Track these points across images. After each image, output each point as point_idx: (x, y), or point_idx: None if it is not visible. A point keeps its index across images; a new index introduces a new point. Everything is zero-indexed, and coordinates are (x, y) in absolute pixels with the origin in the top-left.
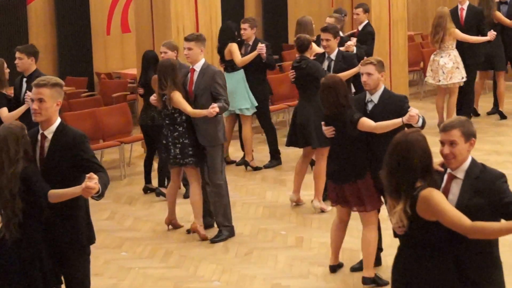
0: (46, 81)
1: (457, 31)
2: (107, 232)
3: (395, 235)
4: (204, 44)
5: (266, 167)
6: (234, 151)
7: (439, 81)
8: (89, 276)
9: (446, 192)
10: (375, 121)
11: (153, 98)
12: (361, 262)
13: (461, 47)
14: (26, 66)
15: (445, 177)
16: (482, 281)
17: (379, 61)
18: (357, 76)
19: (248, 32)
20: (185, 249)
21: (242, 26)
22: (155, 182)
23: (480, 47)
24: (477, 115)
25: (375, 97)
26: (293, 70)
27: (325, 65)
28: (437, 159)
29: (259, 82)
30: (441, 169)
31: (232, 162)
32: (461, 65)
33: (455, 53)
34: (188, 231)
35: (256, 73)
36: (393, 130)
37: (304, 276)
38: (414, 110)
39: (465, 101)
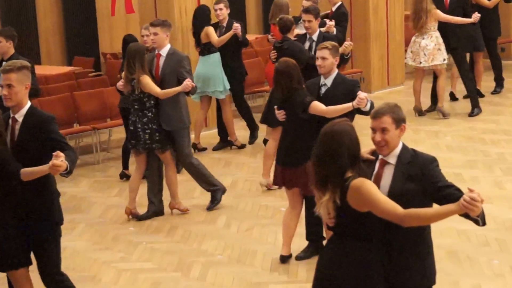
0: (12, 66)
1: (439, 12)
2: (116, 208)
3: (328, 227)
4: (169, 30)
5: (250, 143)
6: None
7: (420, 63)
8: (60, 255)
9: (378, 178)
10: (327, 104)
11: (120, 83)
12: (304, 251)
13: (445, 30)
14: (4, 49)
15: (377, 163)
16: (415, 268)
17: (334, 45)
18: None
19: (224, 12)
20: (189, 225)
21: (217, 6)
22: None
23: (463, 29)
24: (455, 99)
25: (329, 81)
26: (275, 51)
27: (307, 46)
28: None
29: (235, 63)
30: (372, 157)
31: (204, 149)
32: (442, 47)
33: (436, 34)
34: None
35: (232, 55)
36: (345, 114)
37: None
38: (363, 94)
39: (466, 85)
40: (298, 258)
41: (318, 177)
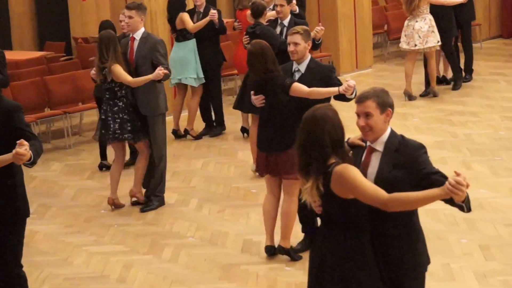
0: None
1: None
2: (87, 191)
3: (316, 214)
4: (144, 13)
5: (211, 136)
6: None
7: (415, 45)
8: (22, 248)
9: (366, 165)
10: None
11: (92, 72)
12: (301, 243)
13: (435, 12)
14: None
15: (365, 150)
16: (405, 253)
17: (305, 30)
18: None
19: None
20: (161, 207)
21: None
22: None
23: (451, 11)
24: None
25: (302, 67)
26: (247, 36)
27: (278, 31)
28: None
29: (212, 49)
30: (362, 143)
31: (184, 135)
32: (435, 29)
33: (430, 17)
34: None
35: (208, 41)
36: (325, 100)
37: (275, 233)
38: (352, 82)
39: (452, 66)
40: (296, 250)
41: (301, 163)
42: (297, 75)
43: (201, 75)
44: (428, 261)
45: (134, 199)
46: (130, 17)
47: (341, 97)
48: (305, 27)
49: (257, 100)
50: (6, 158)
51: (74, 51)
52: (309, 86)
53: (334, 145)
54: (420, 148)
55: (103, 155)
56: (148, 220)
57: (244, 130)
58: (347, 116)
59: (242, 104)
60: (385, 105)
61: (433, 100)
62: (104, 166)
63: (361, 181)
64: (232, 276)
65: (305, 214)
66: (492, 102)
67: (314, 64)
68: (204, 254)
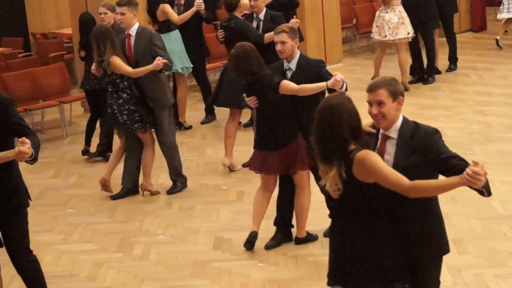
0: None
1: None
2: (53, 189)
3: (328, 204)
4: (136, 9)
5: (202, 123)
6: None
7: (385, 36)
8: (28, 235)
9: (381, 153)
10: None
11: (93, 67)
12: (273, 239)
13: (417, 5)
14: None
15: (379, 137)
16: (424, 237)
17: (291, 28)
18: None
19: None
20: (130, 205)
21: None
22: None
23: (432, 4)
24: (439, 72)
25: (293, 65)
26: (222, 30)
27: (254, 25)
28: (368, 120)
29: (196, 40)
30: (373, 130)
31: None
32: (406, 21)
33: (400, 8)
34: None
35: (192, 32)
36: (318, 94)
37: (245, 229)
38: (339, 75)
39: (428, 59)
40: (268, 247)
41: (322, 153)
42: (289, 74)
43: (189, 64)
44: (446, 250)
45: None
46: (122, 14)
47: (332, 90)
48: (290, 25)
49: (251, 101)
50: (7, 155)
51: (33, 47)
52: (301, 83)
53: (353, 132)
54: (435, 133)
55: (88, 142)
56: (117, 218)
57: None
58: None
59: (217, 99)
60: (397, 93)
61: (405, 94)
62: (87, 152)
63: (382, 166)
64: (205, 273)
65: (281, 208)
66: (463, 96)
67: (304, 60)
68: (175, 251)
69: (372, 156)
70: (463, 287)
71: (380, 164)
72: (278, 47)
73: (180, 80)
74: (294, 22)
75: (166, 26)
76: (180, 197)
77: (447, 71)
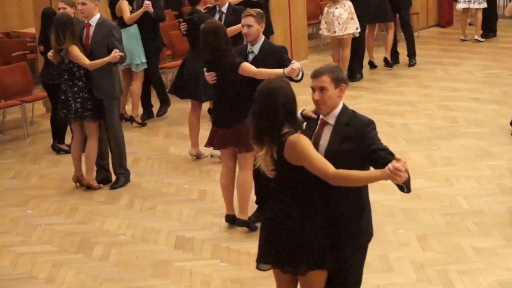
0: None
1: None
2: (13, 190)
3: (265, 186)
4: None
5: (158, 115)
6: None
7: (335, 32)
8: None
9: (318, 138)
10: None
11: (50, 54)
12: (254, 215)
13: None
14: None
15: (318, 123)
16: (352, 225)
17: (258, 12)
18: None
19: None
20: (91, 205)
21: None
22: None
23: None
24: (374, 66)
25: (256, 48)
26: (185, 23)
27: (216, 18)
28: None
29: (151, 36)
30: (314, 115)
31: (130, 119)
32: (355, 16)
33: (349, 3)
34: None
35: (148, 28)
36: None
37: (208, 228)
38: (296, 64)
39: (357, 54)
40: (251, 221)
41: (256, 132)
42: (251, 57)
43: (144, 60)
44: (371, 235)
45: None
46: (83, 4)
47: (289, 78)
48: (258, 10)
49: (209, 76)
50: None
51: None
52: (262, 67)
53: (288, 115)
54: (369, 124)
55: (60, 138)
56: (77, 218)
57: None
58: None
59: (178, 91)
60: (339, 80)
61: (370, 90)
62: (55, 147)
63: (311, 152)
64: (166, 273)
65: (260, 187)
66: (429, 91)
67: (267, 45)
68: (136, 251)
69: (303, 140)
70: (427, 283)
71: (310, 149)
72: (244, 30)
73: (136, 75)
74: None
75: (123, 21)
76: (141, 197)
77: (409, 66)
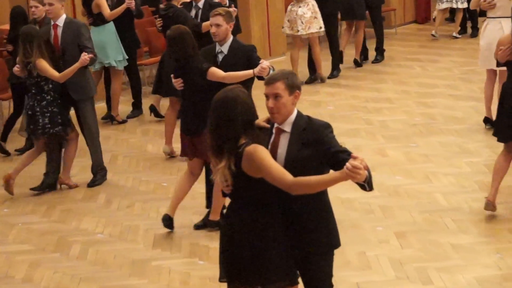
0: None
1: None
2: None
3: (224, 194)
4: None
5: (128, 117)
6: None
7: (298, 31)
8: None
9: (275, 147)
10: (226, 71)
11: (16, 68)
12: (203, 220)
13: None
14: None
15: (273, 131)
16: (316, 231)
17: (227, 11)
18: None
19: None
20: (68, 204)
21: None
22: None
23: None
24: (360, 65)
25: (225, 48)
26: (160, 19)
27: (193, 13)
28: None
29: (127, 33)
30: (267, 125)
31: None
32: (319, 15)
33: (313, 2)
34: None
35: (125, 25)
36: (243, 80)
37: (186, 226)
38: (265, 63)
39: (332, 52)
40: (197, 227)
41: (214, 144)
42: (220, 57)
43: (124, 57)
44: (338, 243)
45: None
46: (50, 4)
47: (260, 77)
48: (226, 8)
49: (177, 83)
50: None
51: None
52: (232, 67)
53: (245, 125)
54: (326, 127)
55: (4, 138)
56: (55, 217)
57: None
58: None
59: (160, 88)
60: (294, 87)
61: (348, 88)
62: (2, 149)
63: (269, 162)
64: (143, 272)
65: (210, 190)
66: (407, 88)
67: (237, 44)
68: (113, 250)
69: (260, 150)
70: (405, 281)
71: (268, 159)
72: (213, 30)
73: (114, 73)
74: (232, 11)
75: (101, 18)
76: (119, 195)
77: (373, 62)
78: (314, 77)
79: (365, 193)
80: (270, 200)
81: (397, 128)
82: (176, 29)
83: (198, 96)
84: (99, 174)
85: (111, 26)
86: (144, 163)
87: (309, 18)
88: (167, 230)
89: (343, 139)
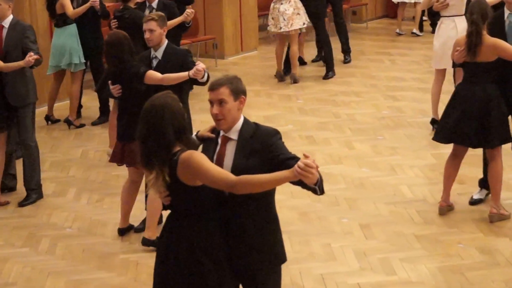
0: None
1: None
2: None
3: (164, 206)
4: (12, 0)
5: (94, 124)
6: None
7: (281, 28)
8: None
9: (221, 156)
10: None
11: None
12: (143, 222)
13: None
14: None
15: (219, 140)
16: (261, 245)
17: (160, 16)
18: None
19: None
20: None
21: None
22: None
23: None
24: (304, 63)
25: (159, 53)
26: (116, 20)
27: (147, 13)
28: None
29: (93, 35)
30: (212, 135)
31: (57, 120)
32: (302, 11)
33: None
34: None
35: (89, 26)
36: (180, 85)
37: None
38: (201, 65)
39: (325, 51)
40: (137, 230)
41: (144, 155)
42: (154, 62)
43: (83, 60)
44: (284, 259)
45: None
46: None
47: (196, 81)
48: (160, 13)
49: (114, 89)
50: None
51: None
52: (167, 72)
53: (177, 132)
54: (274, 134)
55: None
56: (24, 212)
57: None
58: None
59: (103, 90)
60: (239, 92)
61: (317, 81)
62: None
63: (207, 165)
64: (111, 266)
65: None
66: (376, 82)
67: (171, 49)
68: (82, 244)
69: (196, 155)
70: (370, 271)
71: (205, 162)
72: (146, 35)
73: (73, 76)
74: (189, 12)
75: (62, 19)
76: (89, 190)
77: (344, 63)
78: (286, 76)
79: (331, 185)
80: (208, 210)
81: (365, 121)
82: (113, 34)
83: (135, 102)
84: (34, 192)
85: (72, 28)
86: None
87: (291, 15)
88: (135, 224)
89: (312, 133)
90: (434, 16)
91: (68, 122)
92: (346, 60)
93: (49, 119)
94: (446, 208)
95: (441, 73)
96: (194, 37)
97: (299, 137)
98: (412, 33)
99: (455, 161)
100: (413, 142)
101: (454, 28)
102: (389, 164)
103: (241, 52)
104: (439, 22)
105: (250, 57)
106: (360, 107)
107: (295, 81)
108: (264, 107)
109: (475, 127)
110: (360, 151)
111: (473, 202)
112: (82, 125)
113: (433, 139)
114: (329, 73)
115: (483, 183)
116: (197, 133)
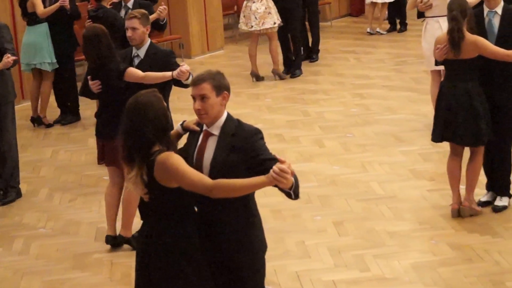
0: None
1: None
2: None
3: (140, 208)
4: None
5: (63, 124)
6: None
7: (252, 26)
8: None
9: (202, 150)
10: None
11: None
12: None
13: None
14: None
15: (201, 135)
16: (243, 243)
17: (143, 14)
18: None
19: None
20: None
21: None
22: None
23: None
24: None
25: (141, 52)
26: (90, 20)
27: (122, 13)
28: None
29: (65, 33)
30: (197, 128)
31: (50, 124)
32: (273, 10)
33: None
34: None
35: (61, 25)
36: (162, 85)
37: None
38: (185, 67)
39: (294, 48)
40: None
41: (125, 151)
42: (136, 61)
43: (54, 59)
44: (265, 247)
45: None
46: None
47: (179, 82)
48: (143, 11)
49: (94, 85)
50: None
51: None
52: (147, 71)
53: (158, 132)
54: (256, 133)
55: None
56: None
57: None
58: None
59: (89, 91)
60: (221, 88)
61: (285, 80)
62: None
63: (184, 168)
64: (85, 265)
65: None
66: (343, 80)
67: (154, 49)
68: (56, 244)
69: (173, 158)
70: (343, 268)
71: (182, 165)
72: (129, 33)
73: (44, 75)
74: (162, 9)
75: (34, 18)
76: (61, 189)
77: (310, 61)
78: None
79: (303, 183)
80: (185, 210)
81: (334, 118)
82: (91, 28)
83: (114, 98)
84: (12, 190)
85: (44, 27)
86: (86, 157)
87: (263, 14)
88: None
89: (282, 131)
90: (400, 14)
91: (37, 119)
92: (313, 59)
93: (36, 121)
94: (456, 211)
95: (437, 73)
96: (160, 37)
97: (269, 135)
98: (376, 31)
99: (455, 159)
100: (381, 139)
101: (439, 29)
102: (359, 161)
103: (207, 52)
104: (424, 23)
105: (216, 56)
106: (329, 105)
107: (280, 77)
108: (233, 106)
109: (461, 124)
110: (331, 149)
111: (481, 205)
112: (50, 125)
113: (431, 139)
114: (296, 71)
115: (491, 186)
116: (182, 122)
